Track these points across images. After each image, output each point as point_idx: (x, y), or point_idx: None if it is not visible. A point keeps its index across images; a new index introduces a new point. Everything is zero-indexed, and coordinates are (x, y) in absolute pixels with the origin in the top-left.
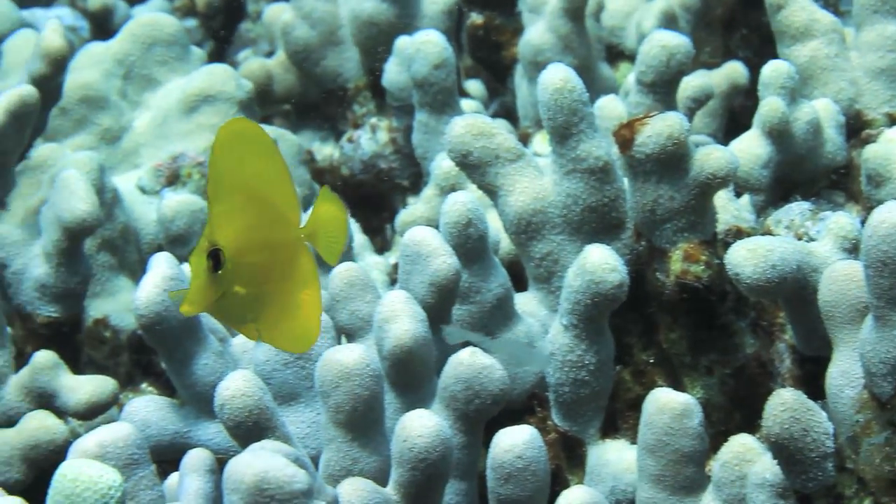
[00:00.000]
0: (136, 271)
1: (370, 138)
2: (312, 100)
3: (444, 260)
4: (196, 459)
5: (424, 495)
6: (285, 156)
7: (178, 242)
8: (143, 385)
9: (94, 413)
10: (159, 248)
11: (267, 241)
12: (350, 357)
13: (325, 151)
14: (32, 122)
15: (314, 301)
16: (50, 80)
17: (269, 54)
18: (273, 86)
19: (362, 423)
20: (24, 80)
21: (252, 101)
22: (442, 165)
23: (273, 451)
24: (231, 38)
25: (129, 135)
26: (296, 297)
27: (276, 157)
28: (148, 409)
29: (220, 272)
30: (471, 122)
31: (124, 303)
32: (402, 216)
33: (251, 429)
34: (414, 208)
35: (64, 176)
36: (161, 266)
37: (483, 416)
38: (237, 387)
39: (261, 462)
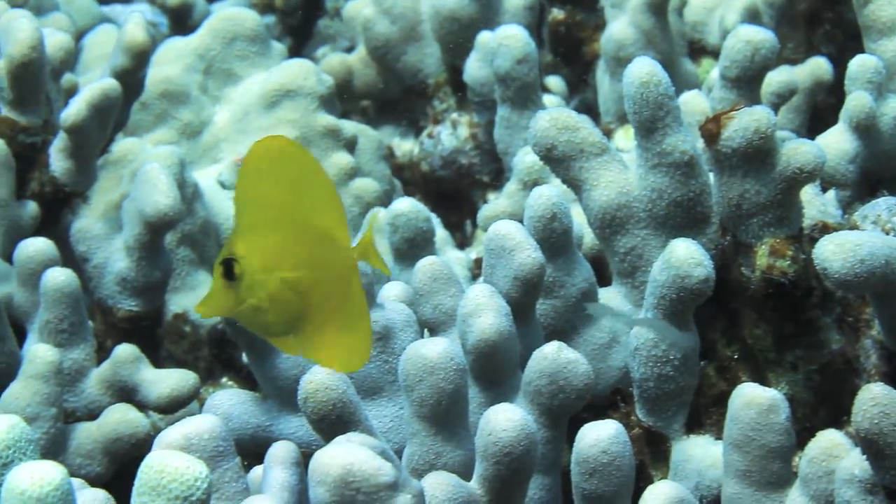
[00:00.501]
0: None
1: (451, 134)
2: (392, 95)
3: (528, 254)
4: (281, 452)
5: (509, 490)
6: (365, 151)
7: None
8: (224, 379)
9: (175, 407)
10: None
11: (308, 258)
12: (434, 351)
13: (405, 147)
14: (114, 116)
15: (366, 322)
16: (132, 74)
17: (349, 50)
18: (353, 81)
19: (446, 417)
20: (106, 74)
21: (333, 97)
22: (525, 160)
23: (359, 444)
24: (309, 35)
25: (209, 130)
26: (347, 317)
27: (320, 176)
28: (230, 402)
29: (234, 282)
30: (556, 116)
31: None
32: (485, 211)
33: (335, 422)
34: (496, 203)
35: (146, 170)
36: None
37: (567, 410)
38: (321, 380)
39: (347, 454)
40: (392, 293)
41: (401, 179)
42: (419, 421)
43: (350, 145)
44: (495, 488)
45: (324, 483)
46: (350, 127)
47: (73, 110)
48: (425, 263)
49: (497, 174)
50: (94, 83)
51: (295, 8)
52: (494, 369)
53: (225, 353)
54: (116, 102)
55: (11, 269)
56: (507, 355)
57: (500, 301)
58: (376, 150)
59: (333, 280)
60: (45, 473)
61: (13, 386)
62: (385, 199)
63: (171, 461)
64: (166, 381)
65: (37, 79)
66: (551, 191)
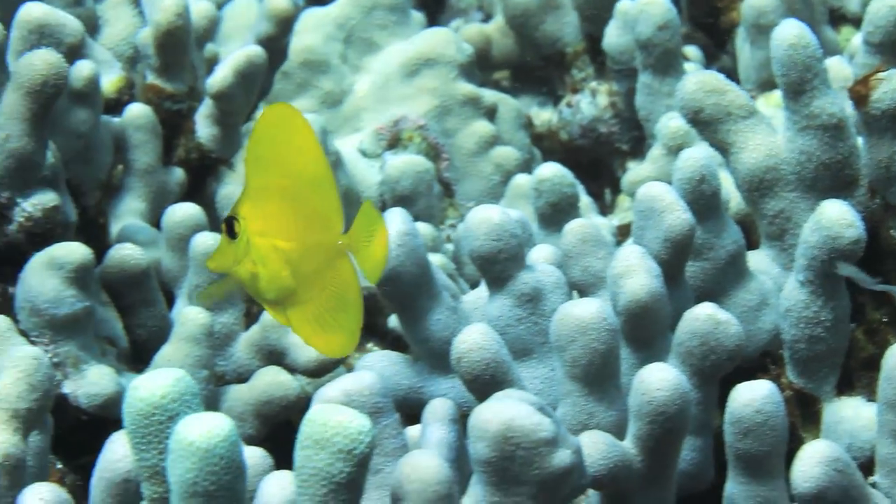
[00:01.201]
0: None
1: (590, 102)
2: (530, 65)
3: (678, 215)
4: (440, 408)
5: (663, 449)
6: (505, 120)
7: (403, 202)
8: (369, 345)
9: (323, 371)
10: (381, 210)
11: (300, 235)
12: (587, 311)
13: (544, 116)
14: (259, 82)
15: (354, 311)
16: (276, 41)
17: (484, 22)
18: (491, 51)
19: (598, 377)
20: (249, 41)
21: (473, 65)
22: (669, 125)
23: (518, 399)
24: (441, 8)
25: (349, 98)
26: (336, 301)
27: (318, 155)
28: (382, 363)
29: (234, 241)
30: (703, 79)
31: None
32: (630, 176)
33: (488, 382)
34: (641, 168)
35: None
36: (395, 221)
37: (718, 371)
38: (474, 340)
39: (507, 410)
40: (541, 255)
41: (539, 149)
42: (571, 381)
43: (490, 114)
44: (649, 448)
45: (483, 439)
46: (490, 95)
47: (219, 77)
48: (574, 225)
49: (636, 143)
50: (239, 50)
51: None
52: (645, 330)
53: (369, 319)
54: (261, 69)
55: (159, 234)
56: (657, 316)
57: (650, 262)
58: (516, 118)
59: (323, 260)
60: (213, 425)
61: (165, 348)
62: (525, 168)
63: (334, 415)
64: None
65: (182, 46)
66: (700, 153)
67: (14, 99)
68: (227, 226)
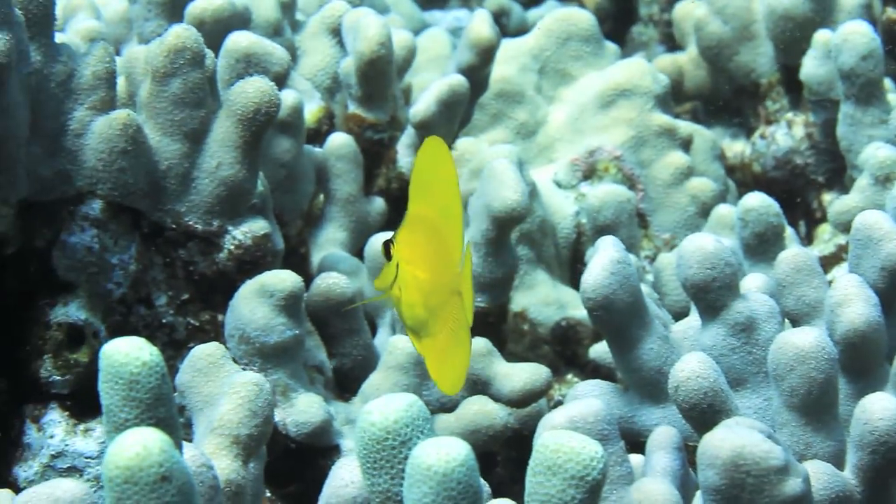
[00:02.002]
0: (553, 265)
1: (786, 134)
2: (722, 96)
3: None
4: (664, 437)
5: (884, 480)
6: (699, 151)
7: (604, 232)
8: (569, 376)
9: (528, 401)
10: (576, 243)
11: (435, 268)
12: (806, 340)
13: (736, 148)
14: (461, 111)
15: (462, 350)
16: (477, 71)
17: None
18: (683, 82)
19: (816, 406)
20: (450, 70)
21: (668, 96)
22: (877, 155)
23: (748, 427)
24: (622, 42)
25: (543, 129)
26: (453, 338)
27: (457, 191)
28: (594, 393)
29: (388, 263)
30: None
31: (543, 296)
32: (836, 206)
33: (705, 411)
34: (848, 198)
35: (494, 166)
36: (608, 249)
37: None
38: (692, 368)
39: (737, 437)
40: (753, 284)
41: (731, 180)
42: (789, 411)
43: (685, 145)
44: (870, 478)
45: (713, 466)
46: (685, 127)
47: (423, 106)
48: (789, 254)
49: (832, 175)
50: (442, 79)
51: (608, 14)
52: (863, 359)
53: (569, 350)
54: (464, 98)
55: (360, 264)
56: (875, 346)
57: (868, 291)
58: (710, 149)
59: (446, 295)
60: (451, 449)
61: (373, 376)
62: (720, 200)
63: (566, 441)
64: (519, 374)
65: (385, 76)
66: None
67: (226, 126)
68: (385, 249)
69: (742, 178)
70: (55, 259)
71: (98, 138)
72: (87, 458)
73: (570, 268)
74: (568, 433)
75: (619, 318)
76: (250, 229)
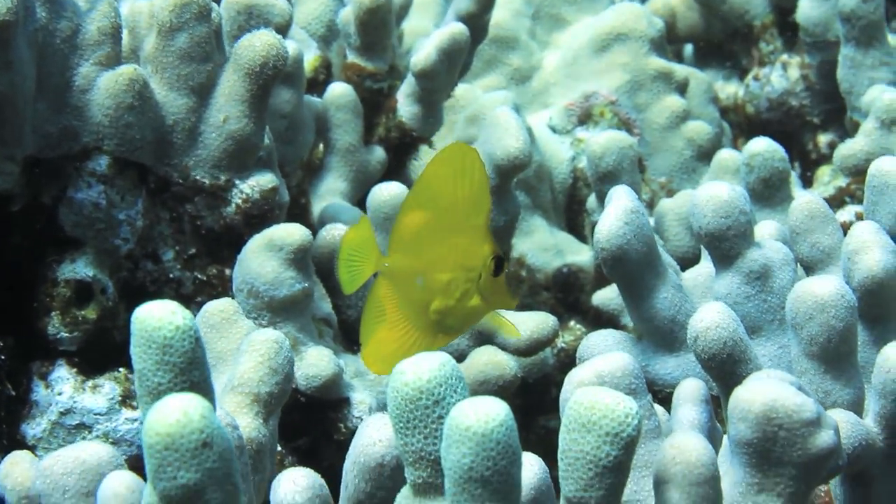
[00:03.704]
0: (549, 211)
1: (781, 75)
2: (715, 38)
3: None
4: (690, 390)
5: None
6: (695, 95)
7: (606, 179)
8: (572, 322)
9: (535, 350)
10: (572, 188)
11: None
12: (825, 288)
13: (729, 90)
14: (462, 59)
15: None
16: (477, 18)
17: None
18: (676, 24)
19: (836, 355)
20: (450, 18)
21: (663, 40)
22: (883, 98)
23: (779, 379)
24: None
25: (538, 75)
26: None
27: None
28: (606, 343)
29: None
30: None
31: (540, 242)
32: (842, 150)
33: (725, 361)
34: (854, 142)
35: (496, 113)
36: (622, 198)
37: None
38: (712, 318)
39: (769, 390)
40: (765, 232)
41: (725, 122)
42: (808, 359)
43: (682, 88)
44: (892, 426)
45: (745, 420)
46: (681, 70)
47: (423, 55)
48: (803, 201)
49: (828, 115)
50: (443, 27)
51: None
52: (880, 307)
53: (571, 296)
54: (464, 47)
55: (363, 214)
56: (893, 293)
57: (886, 238)
58: (706, 92)
59: None
60: (489, 409)
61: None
62: (716, 143)
63: (601, 397)
64: (526, 323)
65: (385, 24)
66: None
67: (233, 80)
68: (497, 263)
69: (735, 119)
70: (62, 215)
71: (104, 94)
72: (95, 414)
73: (567, 213)
74: (602, 389)
75: (634, 267)
76: (258, 183)
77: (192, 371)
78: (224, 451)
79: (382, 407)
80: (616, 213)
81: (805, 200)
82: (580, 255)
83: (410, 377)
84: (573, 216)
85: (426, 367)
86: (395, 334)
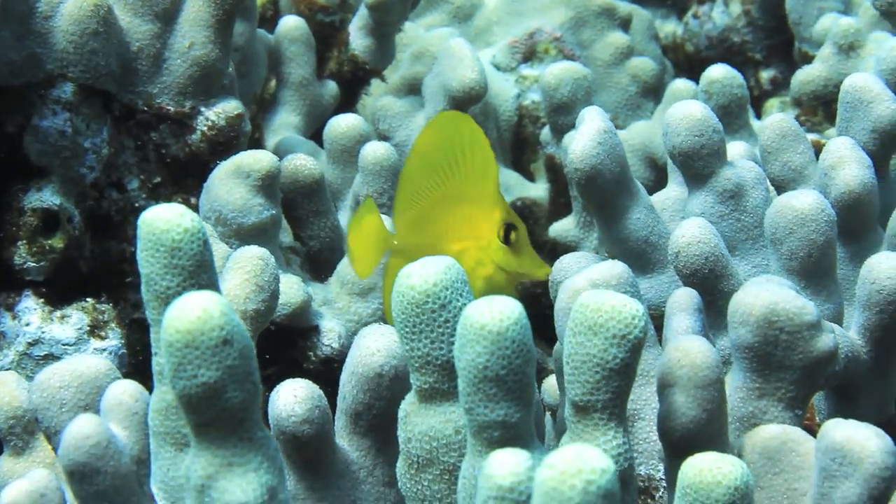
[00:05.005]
0: (495, 148)
1: (722, 11)
2: None
3: (887, 105)
4: (684, 298)
5: (890, 340)
6: (637, 31)
7: (561, 110)
8: None
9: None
10: (517, 126)
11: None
12: (805, 202)
13: (667, 29)
14: None
15: None
16: None
17: None
18: None
19: (816, 269)
20: None
21: None
22: (840, 24)
23: (779, 283)
24: None
25: (480, 13)
26: None
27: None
28: (580, 264)
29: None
30: None
31: None
32: (800, 76)
33: (706, 276)
34: (811, 68)
35: (450, 45)
36: (595, 119)
37: None
38: (693, 234)
39: (769, 293)
40: (736, 152)
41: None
42: (788, 274)
43: (625, 24)
44: (877, 338)
45: (746, 324)
46: (623, 6)
47: None
48: (774, 120)
49: (770, 51)
50: None
51: None
52: (857, 222)
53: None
54: None
55: (318, 148)
56: (869, 208)
57: (861, 153)
58: (648, 29)
59: None
60: (504, 307)
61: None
62: (660, 79)
63: (607, 299)
64: None
65: None
66: None
67: (198, 6)
68: (507, 231)
69: (674, 58)
70: (27, 144)
71: (68, 20)
72: (64, 345)
73: (513, 151)
74: (607, 292)
75: (607, 187)
76: (224, 110)
77: (200, 274)
78: (244, 349)
79: (351, 335)
80: (589, 134)
81: (777, 119)
82: (532, 190)
83: (417, 280)
84: (518, 155)
85: (432, 271)
86: None
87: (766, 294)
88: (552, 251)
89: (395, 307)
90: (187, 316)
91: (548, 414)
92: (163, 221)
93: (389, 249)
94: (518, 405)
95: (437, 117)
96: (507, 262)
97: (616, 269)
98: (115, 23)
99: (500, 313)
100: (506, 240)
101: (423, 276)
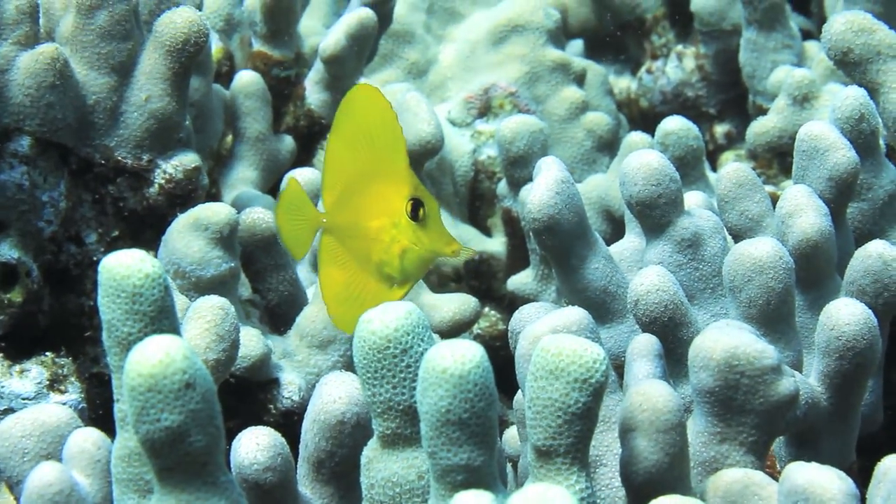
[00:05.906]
0: (452, 205)
1: (676, 66)
2: (607, 32)
3: (843, 153)
4: (644, 344)
5: (850, 386)
6: (592, 86)
7: (517, 163)
8: (486, 309)
9: (457, 331)
10: (473, 181)
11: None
12: (763, 250)
13: (622, 84)
14: (370, 45)
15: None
16: (382, 5)
17: None
18: (567, 19)
19: (775, 316)
20: (356, 6)
21: (560, 31)
22: (794, 75)
23: (738, 328)
24: None
25: (434, 68)
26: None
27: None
28: (538, 315)
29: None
30: (851, 19)
31: None
32: (755, 128)
33: (666, 325)
34: (766, 119)
35: (406, 98)
36: (552, 168)
37: (891, 310)
38: (652, 282)
39: (730, 338)
40: (692, 201)
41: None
42: (747, 322)
43: (580, 79)
44: (836, 384)
45: (707, 368)
46: (578, 62)
47: (332, 41)
48: (730, 169)
49: (724, 105)
50: (351, 13)
51: None
52: (815, 269)
53: (484, 284)
54: (372, 32)
55: (274, 202)
56: (827, 256)
57: (818, 201)
58: (602, 84)
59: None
60: (465, 351)
61: (308, 309)
62: (615, 134)
63: (568, 343)
64: (448, 305)
65: (290, 12)
66: (857, 91)
67: (154, 58)
68: (414, 206)
69: (629, 113)
70: None
71: (24, 73)
72: (24, 399)
73: (469, 206)
74: (568, 336)
75: (565, 237)
76: (181, 162)
77: (162, 320)
78: (207, 393)
79: (311, 388)
80: (547, 183)
81: (733, 168)
82: (490, 244)
83: (377, 325)
84: (475, 210)
85: (393, 316)
86: (349, 286)
87: (726, 338)
88: (510, 305)
89: (357, 353)
90: (150, 360)
91: (509, 465)
92: (123, 267)
93: (320, 228)
94: (481, 448)
95: (350, 93)
96: (415, 238)
97: (576, 315)
98: (72, 76)
99: (462, 357)
100: (414, 215)
101: (384, 321)
